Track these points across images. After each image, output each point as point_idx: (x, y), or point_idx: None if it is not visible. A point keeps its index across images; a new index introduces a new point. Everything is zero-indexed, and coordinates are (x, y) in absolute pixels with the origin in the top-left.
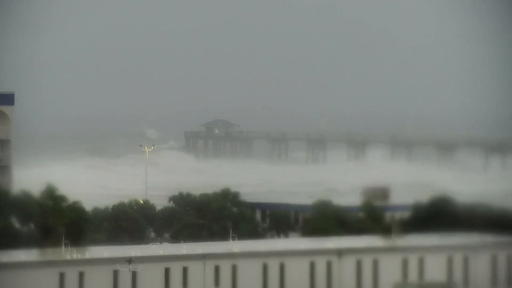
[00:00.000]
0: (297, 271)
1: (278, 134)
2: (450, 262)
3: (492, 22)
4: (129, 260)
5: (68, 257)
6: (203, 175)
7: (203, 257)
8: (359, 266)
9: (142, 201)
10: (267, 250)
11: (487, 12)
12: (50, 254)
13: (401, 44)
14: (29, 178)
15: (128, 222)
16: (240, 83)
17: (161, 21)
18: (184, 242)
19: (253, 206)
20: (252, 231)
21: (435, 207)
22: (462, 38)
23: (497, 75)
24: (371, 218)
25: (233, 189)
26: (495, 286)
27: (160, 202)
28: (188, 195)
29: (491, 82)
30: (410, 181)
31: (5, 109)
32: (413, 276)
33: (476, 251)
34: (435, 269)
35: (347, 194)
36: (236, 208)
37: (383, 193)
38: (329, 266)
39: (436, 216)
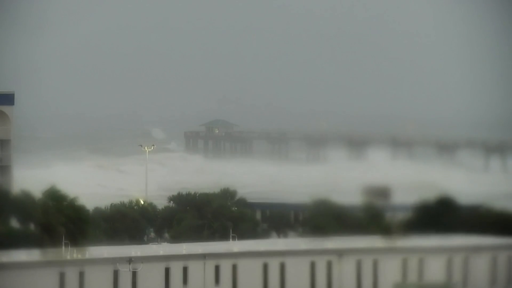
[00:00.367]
0: (297, 271)
1: (278, 134)
2: (450, 263)
3: (493, 23)
4: (129, 260)
5: (68, 257)
6: (205, 175)
7: (203, 257)
8: (359, 266)
9: (142, 201)
10: (268, 250)
11: (488, 13)
12: (50, 254)
13: (402, 44)
14: (29, 178)
15: (128, 222)
16: (240, 83)
17: (161, 21)
18: (184, 242)
19: (253, 206)
20: (252, 231)
21: (435, 207)
22: (463, 38)
23: (498, 75)
24: (371, 217)
25: (238, 189)
26: (495, 287)
27: (161, 202)
28: (188, 195)
29: (491, 83)
30: (411, 181)
31: (5, 109)
32: (413, 276)
33: (476, 252)
34: (435, 269)
35: (347, 193)
36: (235, 208)
37: (384, 192)
38: (329, 266)
39: (436, 216)
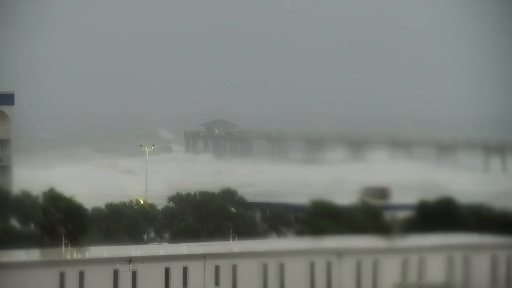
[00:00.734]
0: (297, 271)
1: (278, 134)
2: (450, 262)
3: (492, 23)
4: (129, 260)
5: (68, 257)
6: (207, 175)
7: (203, 257)
8: (359, 266)
9: (142, 201)
10: (267, 250)
11: (487, 14)
12: (50, 254)
13: (402, 44)
14: (30, 178)
15: (127, 222)
16: (240, 83)
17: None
18: (184, 242)
19: (253, 206)
20: (252, 231)
21: (435, 207)
22: (462, 39)
23: (498, 76)
24: (370, 217)
25: (242, 189)
26: (495, 287)
27: (162, 202)
28: (188, 195)
29: (491, 83)
30: (410, 181)
31: (5, 109)
32: (413, 276)
33: (476, 252)
34: (435, 269)
35: (347, 193)
36: (235, 208)
37: (383, 192)
38: (329, 266)
39: (436, 216)
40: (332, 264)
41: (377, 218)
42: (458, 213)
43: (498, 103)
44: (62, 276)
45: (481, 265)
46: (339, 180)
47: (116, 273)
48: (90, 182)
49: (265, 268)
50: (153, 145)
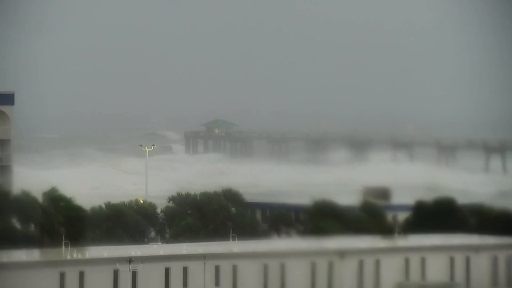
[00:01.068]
0: (298, 271)
1: (278, 134)
2: (451, 262)
3: (492, 23)
4: (129, 260)
5: (68, 257)
6: (209, 175)
7: (203, 257)
8: (360, 266)
9: (142, 201)
10: (268, 250)
11: (487, 14)
12: (50, 254)
13: (402, 45)
14: (30, 178)
15: (127, 222)
16: (240, 83)
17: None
18: (184, 242)
19: (253, 206)
20: (252, 231)
21: (436, 207)
22: (462, 39)
23: (498, 76)
24: (372, 218)
25: (245, 189)
26: (496, 287)
27: (162, 202)
28: (188, 195)
29: (491, 83)
30: (411, 181)
31: (5, 109)
32: (414, 276)
33: (477, 252)
34: (437, 269)
35: (348, 194)
36: (235, 208)
37: (384, 193)
38: (330, 266)
39: (437, 216)
40: (334, 265)
41: (379, 218)
42: (457, 213)
43: (498, 103)
44: (62, 276)
45: (481, 265)
46: (340, 181)
47: (116, 273)
48: (91, 182)
49: (265, 268)
50: (153, 145)
